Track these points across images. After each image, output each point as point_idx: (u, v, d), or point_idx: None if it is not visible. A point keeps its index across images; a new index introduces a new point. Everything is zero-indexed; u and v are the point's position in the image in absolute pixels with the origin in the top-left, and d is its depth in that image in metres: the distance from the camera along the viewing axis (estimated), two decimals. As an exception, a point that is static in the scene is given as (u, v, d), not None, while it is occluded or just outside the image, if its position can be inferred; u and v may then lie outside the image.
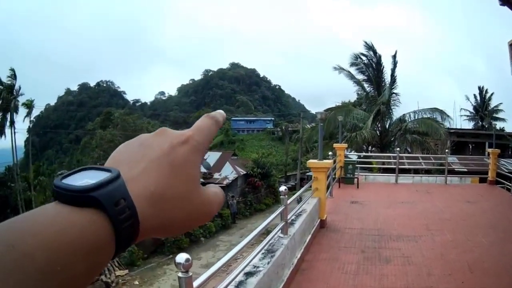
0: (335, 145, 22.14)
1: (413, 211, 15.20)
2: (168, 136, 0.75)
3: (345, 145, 22.94)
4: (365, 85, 39.57)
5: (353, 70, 38.85)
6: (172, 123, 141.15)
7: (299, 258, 9.50)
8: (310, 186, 13.21)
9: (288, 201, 8.89)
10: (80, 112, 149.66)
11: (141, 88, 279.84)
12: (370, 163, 31.62)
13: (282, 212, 8.53)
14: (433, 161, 30.08)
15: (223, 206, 18.71)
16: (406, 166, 26.15)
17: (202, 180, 41.55)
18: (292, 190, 63.09)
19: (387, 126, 38.46)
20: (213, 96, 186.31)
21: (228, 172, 47.34)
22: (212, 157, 50.72)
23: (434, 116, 36.23)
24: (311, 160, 13.37)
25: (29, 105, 53.28)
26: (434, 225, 13.07)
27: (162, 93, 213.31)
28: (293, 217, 9.91)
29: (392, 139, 38.66)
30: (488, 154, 21.85)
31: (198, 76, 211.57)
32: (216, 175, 46.02)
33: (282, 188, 8.34)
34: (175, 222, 0.70)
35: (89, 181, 0.60)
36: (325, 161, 13.26)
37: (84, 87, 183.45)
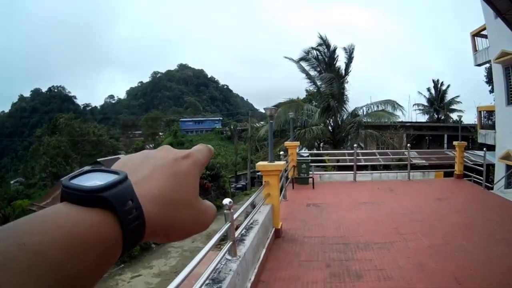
0: (286, 143, 20.47)
1: (379, 213, 13.64)
2: (171, 151, 0.82)
3: (297, 143, 21.19)
4: (317, 80, 38.35)
5: (304, 65, 37.86)
6: (121, 126, 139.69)
7: (254, 280, 7.73)
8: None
9: (236, 215, 7.04)
10: (33, 119, 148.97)
11: (91, 92, 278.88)
12: (324, 161, 30.16)
13: (228, 230, 6.57)
14: (392, 156, 28.68)
15: None
16: (364, 163, 24.65)
17: None
18: (243, 190, 62.93)
19: (339, 122, 37.27)
20: (162, 98, 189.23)
21: None
22: (158, 161, 48.16)
23: (387, 108, 35.57)
24: (260, 163, 11.46)
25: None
26: (406, 228, 11.58)
27: (112, 96, 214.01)
28: (243, 231, 8.21)
29: (345, 134, 37.35)
30: (454, 147, 20.54)
31: (146, 79, 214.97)
32: None
33: (226, 201, 6.36)
34: (178, 225, 0.73)
35: (98, 182, 0.62)
36: (277, 163, 11.47)
37: (36, 93, 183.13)
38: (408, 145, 22.42)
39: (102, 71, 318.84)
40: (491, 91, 38.22)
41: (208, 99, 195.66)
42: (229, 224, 6.58)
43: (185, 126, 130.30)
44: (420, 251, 9.70)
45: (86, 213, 0.57)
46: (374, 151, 30.10)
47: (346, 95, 37.36)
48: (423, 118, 67.46)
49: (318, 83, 38.17)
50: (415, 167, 21.10)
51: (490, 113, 30.75)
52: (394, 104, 35.52)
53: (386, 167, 27.65)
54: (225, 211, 6.34)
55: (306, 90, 48.14)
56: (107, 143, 70.84)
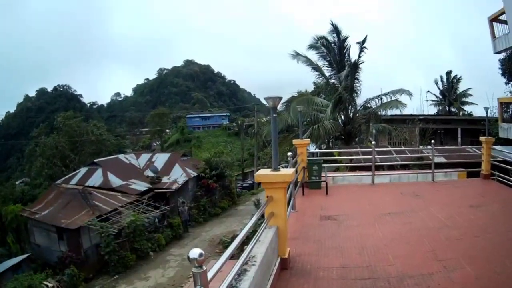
0: (294, 141, 18.20)
1: (409, 229, 11.27)
2: None
3: (307, 141, 18.78)
4: (325, 71, 36.57)
5: (313, 55, 35.92)
6: (128, 124, 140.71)
7: None
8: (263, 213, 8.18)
9: (229, 251, 4.83)
10: (39, 118, 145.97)
11: (97, 90, 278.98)
12: (336, 160, 27.78)
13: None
14: (410, 154, 26.25)
15: (173, 214, 38.36)
16: (380, 163, 22.21)
17: (149, 185, 38.71)
18: (249, 189, 61.30)
19: (351, 115, 35.56)
20: (168, 94, 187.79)
21: (178, 175, 43.14)
22: (160, 159, 47.05)
23: (399, 98, 33.87)
24: (261, 172, 8.50)
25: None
26: (444, 251, 9.21)
27: (118, 94, 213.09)
28: (239, 272, 5.59)
29: (357, 129, 35.86)
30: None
31: (152, 75, 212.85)
32: (164, 179, 41.94)
33: (194, 253, 3.71)
34: None
35: None
36: (284, 171, 8.30)
37: (41, 92, 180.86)
38: (432, 141, 19.92)
39: (107, 69, 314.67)
40: (507, 82, 37.39)
41: (215, 95, 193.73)
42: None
43: (192, 122, 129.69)
44: (467, 286, 7.44)
45: None
46: (391, 148, 27.55)
47: (357, 87, 35.53)
48: (434, 110, 65.67)
49: (327, 74, 36.43)
50: (437, 166, 18.74)
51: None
52: (407, 93, 33.71)
53: (404, 166, 25.21)
54: (193, 270, 3.77)
55: (314, 83, 46.05)
56: (106, 143, 68.08)
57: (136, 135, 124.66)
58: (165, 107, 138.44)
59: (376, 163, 18.86)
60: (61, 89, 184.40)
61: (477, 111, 57.66)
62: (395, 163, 23.81)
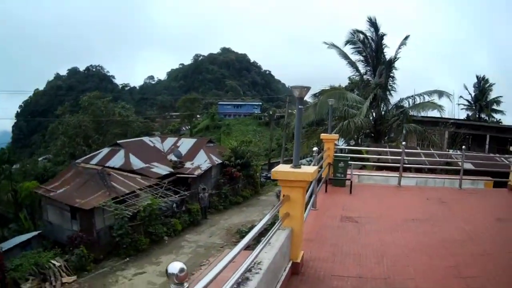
0: (322, 135, 17.50)
1: (432, 239, 10.56)
2: None
3: (336, 136, 18.20)
4: (360, 67, 36.01)
5: (348, 49, 35.28)
6: (158, 107, 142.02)
7: None
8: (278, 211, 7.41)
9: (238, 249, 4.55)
10: (68, 97, 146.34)
11: (130, 72, 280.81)
12: (363, 158, 27.07)
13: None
14: (438, 159, 25.43)
15: (192, 200, 38.58)
16: (408, 164, 21.52)
17: (171, 169, 38.77)
18: (274, 180, 59.97)
19: (383, 113, 34.99)
20: (202, 80, 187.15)
21: (202, 161, 42.86)
22: (185, 144, 46.86)
23: (434, 99, 33.24)
24: (279, 168, 7.74)
25: None
26: (468, 268, 8.54)
27: (152, 77, 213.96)
28: (239, 281, 4.92)
29: (388, 128, 35.18)
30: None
31: (188, 61, 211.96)
32: (187, 164, 41.81)
33: (174, 268, 3.18)
34: None
35: None
36: (305, 168, 7.52)
37: (73, 71, 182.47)
38: (463, 146, 19.22)
39: (142, 52, 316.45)
40: None
41: (249, 84, 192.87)
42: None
43: (223, 109, 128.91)
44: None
45: None
46: (420, 151, 26.73)
47: (392, 85, 34.95)
48: (464, 115, 64.37)
49: (362, 70, 35.92)
50: (464, 172, 18.06)
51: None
52: (446, 95, 33.05)
53: (432, 170, 24.43)
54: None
55: (349, 78, 45.40)
56: (133, 125, 67.39)
57: (166, 118, 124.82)
58: (198, 93, 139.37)
59: (404, 164, 18.16)
60: (94, 70, 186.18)
61: (507, 120, 58.93)
62: (423, 166, 23.03)
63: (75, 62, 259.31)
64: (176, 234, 33.38)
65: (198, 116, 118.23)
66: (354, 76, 39.61)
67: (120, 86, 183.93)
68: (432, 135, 35.20)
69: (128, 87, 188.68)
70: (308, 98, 35.53)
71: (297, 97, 7.50)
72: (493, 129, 46.58)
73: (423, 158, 23.85)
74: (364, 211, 13.10)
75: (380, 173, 21.55)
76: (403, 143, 18.56)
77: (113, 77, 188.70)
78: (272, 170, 7.74)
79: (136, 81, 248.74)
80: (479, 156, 29.09)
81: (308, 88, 7.36)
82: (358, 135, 36.49)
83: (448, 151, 32.32)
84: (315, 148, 12.89)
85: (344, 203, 14.17)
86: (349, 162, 17.23)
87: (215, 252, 28.88)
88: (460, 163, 18.62)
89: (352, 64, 35.48)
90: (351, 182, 15.97)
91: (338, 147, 19.19)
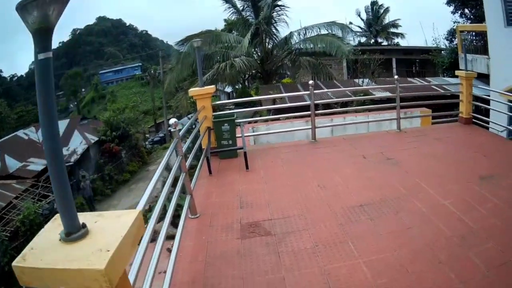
0: (191, 91, 11.59)
1: (411, 250, 5.91)
2: None
3: (211, 89, 12.05)
4: (238, 2, 32.61)
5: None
6: None
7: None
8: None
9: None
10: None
11: (17, 62, 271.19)
12: (258, 111, 22.00)
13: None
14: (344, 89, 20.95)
15: (75, 193, 31.14)
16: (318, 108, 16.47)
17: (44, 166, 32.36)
18: (161, 143, 57.93)
19: (271, 50, 31.71)
20: (83, 53, 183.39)
21: (78, 144, 37.41)
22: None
23: (333, 32, 30.21)
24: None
25: None
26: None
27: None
28: None
29: (278, 65, 32.29)
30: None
31: (67, 38, 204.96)
32: (63, 151, 34.87)
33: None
34: None
35: None
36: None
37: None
38: (396, 76, 14.11)
39: (19, 37, 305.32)
40: (454, 11, 34.89)
41: (128, 47, 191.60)
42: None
43: (105, 78, 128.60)
44: None
45: None
46: (327, 90, 21.28)
47: (277, 17, 31.84)
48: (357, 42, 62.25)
49: (239, 5, 32.52)
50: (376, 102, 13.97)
51: (477, 34, 24.56)
52: (343, 29, 30.67)
53: (343, 107, 19.54)
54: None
55: (225, 20, 41.57)
56: (7, 120, 63.37)
57: None
58: (80, 67, 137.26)
59: (321, 111, 13.69)
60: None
61: (406, 43, 58.52)
62: (336, 100, 18.11)
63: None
64: (65, 241, 27.44)
65: (83, 90, 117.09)
66: (231, 15, 35.23)
67: (8, 78, 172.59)
68: (328, 66, 32.44)
69: (16, 77, 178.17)
70: (172, 42, 34.96)
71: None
72: (399, 52, 46.05)
73: (333, 99, 18.98)
74: (276, 204, 7.87)
75: (282, 124, 16.00)
76: (311, 82, 12.95)
77: (1, 71, 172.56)
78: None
79: (23, 69, 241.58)
80: (410, 85, 26.04)
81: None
82: (244, 78, 34.24)
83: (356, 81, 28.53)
84: (172, 120, 7.24)
85: (240, 190, 8.80)
86: (238, 120, 11.97)
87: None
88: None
89: (231, 2, 32.28)
90: (246, 154, 10.27)
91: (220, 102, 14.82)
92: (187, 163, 7.25)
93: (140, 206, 3.80)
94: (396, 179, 8.61)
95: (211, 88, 11.43)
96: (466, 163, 9.45)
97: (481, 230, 6.19)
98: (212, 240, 6.59)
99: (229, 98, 44.47)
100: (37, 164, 33.30)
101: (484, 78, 20.82)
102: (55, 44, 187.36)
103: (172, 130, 6.84)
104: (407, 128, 13.51)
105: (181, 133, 7.02)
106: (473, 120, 13.22)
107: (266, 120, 18.62)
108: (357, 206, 7.37)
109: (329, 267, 5.52)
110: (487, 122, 13.36)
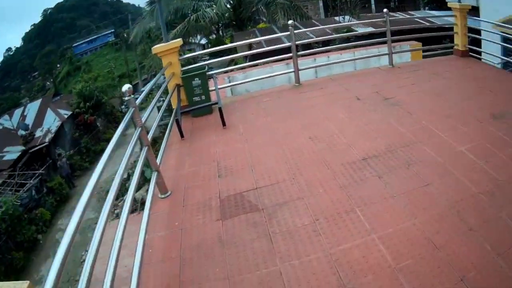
0: (154, 48, 10.22)
1: (434, 206, 5.01)
2: None
3: (177, 43, 10.63)
4: None
5: None
6: (19, 74, 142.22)
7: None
8: None
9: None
10: None
11: None
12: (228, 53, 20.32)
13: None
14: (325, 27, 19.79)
15: (52, 174, 31.68)
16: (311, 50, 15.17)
17: (22, 147, 32.34)
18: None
19: None
20: (55, 31, 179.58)
21: (52, 122, 35.96)
22: (31, 110, 39.22)
23: None
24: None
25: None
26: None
27: (10, 49, 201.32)
28: None
29: (253, 10, 30.96)
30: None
31: (39, 19, 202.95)
32: (38, 133, 34.61)
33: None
34: None
35: None
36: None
37: None
38: (385, 9, 12.80)
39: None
40: None
41: (100, 17, 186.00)
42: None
43: (79, 50, 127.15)
44: None
45: None
46: (305, 29, 20.00)
47: None
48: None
49: None
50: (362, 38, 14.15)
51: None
52: None
53: (325, 45, 18.23)
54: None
55: None
56: None
57: (30, 81, 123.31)
58: (53, 44, 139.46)
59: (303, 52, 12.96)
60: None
61: None
62: (318, 39, 16.71)
63: None
64: (47, 226, 26.48)
65: (58, 66, 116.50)
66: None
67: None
68: (304, 7, 31.92)
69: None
70: (144, 4, 34.66)
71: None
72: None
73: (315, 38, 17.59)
74: (261, 167, 6.60)
75: (261, 70, 14.71)
76: (290, 21, 11.59)
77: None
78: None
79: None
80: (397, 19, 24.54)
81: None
82: (217, 28, 33.60)
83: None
84: (125, 87, 5.84)
85: (217, 153, 7.46)
86: (210, 72, 10.83)
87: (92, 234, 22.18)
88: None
89: None
90: (221, 110, 8.81)
91: (191, 54, 13.39)
92: (151, 133, 6.32)
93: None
94: (400, 123, 7.48)
95: (176, 42, 10.11)
96: (473, 100, 8.51)
97: (508, 183, 5.24)
98: (187, 227, 5.34)
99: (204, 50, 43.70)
100: (12, 153, 32.23)
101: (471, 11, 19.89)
102: (26, 28, 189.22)
103: (126, 98, 5.44)
104: (400, 63, 12.42)
105: (138, 100, 5.72)
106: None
107: (243, 68, 17.24)
108: (360, 161, 6.22)
109: (336, 249, 4.36)
110: (480, 54, 12.45)
